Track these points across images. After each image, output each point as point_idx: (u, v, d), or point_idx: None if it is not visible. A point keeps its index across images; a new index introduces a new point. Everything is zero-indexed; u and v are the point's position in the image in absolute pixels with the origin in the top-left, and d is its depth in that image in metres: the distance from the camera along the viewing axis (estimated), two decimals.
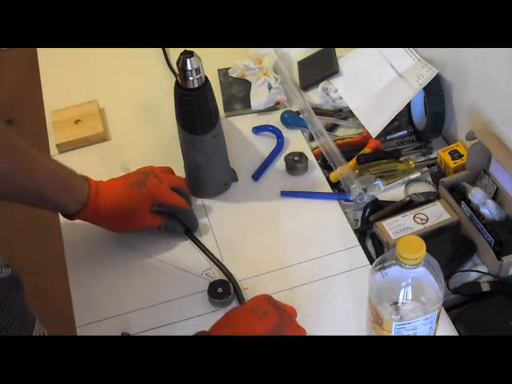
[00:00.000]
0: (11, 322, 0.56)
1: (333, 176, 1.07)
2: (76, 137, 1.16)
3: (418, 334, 0.75)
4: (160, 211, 0.96)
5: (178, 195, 0.99)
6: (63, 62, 1.32)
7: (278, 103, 1.20)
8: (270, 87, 1.20)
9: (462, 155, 1.03)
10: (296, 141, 1.15)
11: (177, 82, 0.92)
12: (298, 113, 1.19)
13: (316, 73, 1.24)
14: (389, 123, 1.12)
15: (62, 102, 1.22)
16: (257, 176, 1.09)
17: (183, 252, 0.97)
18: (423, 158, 1.12)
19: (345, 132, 1.18)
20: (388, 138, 1.14)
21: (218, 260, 0.96)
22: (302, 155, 1.09)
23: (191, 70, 0.89)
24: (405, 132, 1.15)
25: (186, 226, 0.99)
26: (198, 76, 0.90)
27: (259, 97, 1.19)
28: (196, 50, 0.90)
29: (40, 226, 1.48)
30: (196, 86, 0.91)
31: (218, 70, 1.27)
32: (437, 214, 0.98)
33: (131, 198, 0.94)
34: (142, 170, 0.99)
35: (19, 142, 0.85)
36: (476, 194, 0.95)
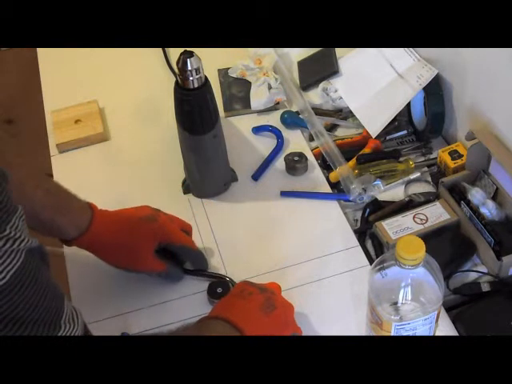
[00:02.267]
0: (45, 294, 0.56)
1: (332, 176, 1.07)
2: (76, 137, 1.16)
3: (418, 335, 0.75)
4: (164, 254, 0.91)
5: (186, 235, 0.94)
6: (63, 62, 1.32)
7: (277, 103, 1.20)
8: (269, 87, 1.20)
9: (462, 155, 1.03)
10: (296, 141, 1.15)
11: (177, 81, 0.92)
12: (297, 113, 1.19)
13: (316, 73, 1.24)
14: (389, 123, 1.12)
15: (62, 102, 1.22)
16: (257, 176, 1.09)
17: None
18: (423, 158, 1.12)
19: (345, 132, 1.18)
20: (388, 138, 1.14)
21: (225, 276, 0.94)
22: (301, 155, 1.09)
23: (191, 70, 0.89)
24: (405, 132, 1.15)
25: (185, 270, 0.94)
26: (197, 76, 0.90)
27: (259, 97, 1.19)
28: (196, 50, 0.90)
29: None
30: (196, 86, 0.91)
31: (218, 70, 1.27)
32: (436, 214, 0.98)
33: (137, 234, 0.87)
34: (150, 207, 0.92)
35: (13, 159, 0.80)
36: (476, 194, 0.95)
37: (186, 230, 0.96)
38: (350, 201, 1.04)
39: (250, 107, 1.20)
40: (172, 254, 0.93)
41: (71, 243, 0.86)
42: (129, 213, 0.90)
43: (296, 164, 1.08)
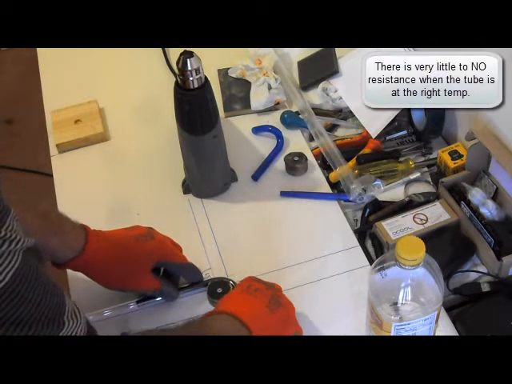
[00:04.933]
0: (45, 291, 0.55)
1: (332, 176, 1.08)
2: (76, 137, 1.16)
3: (418, 335, 0.75)
4: (158, 273, 0.89)
5: (180, 252, 0.93)
6: (63, 62, 1.32)
7: (277, 103, 1.20)
8: (269, 87, 1.20)
9: (462, 155, 1.03)
10: (296, 141, 1.15)
11: (177, 82, 0.92)
12: (297, 113, 1.19)
13: (316, 73, 1.24)
14: (388, 123, 1.12)
15: (62, 102, 1.22)
16: (256, 176, 1.09)
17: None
18: (423, 159, 1.12)
19: (345, 132, 1.18)
20: (388, 138, 1.14)
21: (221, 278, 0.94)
22: (301, 155, 1.09)
23: (191, 70, 0.89)
24: (405, 132, 1.15)
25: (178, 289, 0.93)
26: (197, 76, 0.90)
27: (259, 97, 1.19)
28: (196, 50, 0.90)
29: None
30: (196, 86, 0.91)
31: (218, 70, 1.27)
32: (436, 214, 0.98)
33: (134, 253, 0.86)
34: (142, 226, 0.91)
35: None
36: (476, 195, 0.95)
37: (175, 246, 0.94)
38: (350, 201, 1.04)
39: (250, 107, 1.20)
40: (166, 272, 0.92)
41: (65, 266, 0.83)
42: (123, 232, 0.88)
43: (296, 164, 1.08)
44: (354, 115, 1.17)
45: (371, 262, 0.95)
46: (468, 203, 0.95)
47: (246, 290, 0.80)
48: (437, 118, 1.10)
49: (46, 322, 0.55)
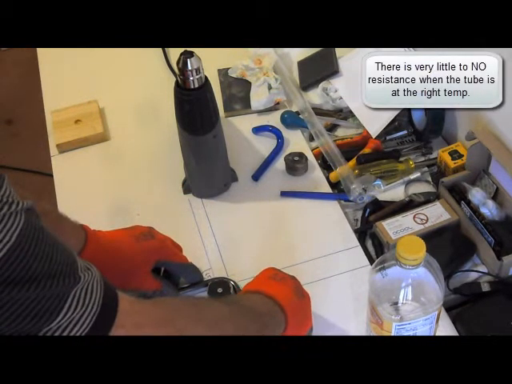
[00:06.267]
0: (56, 247, 0.55)
1: (333, 176, 1.08)
2: (76, 137, 1.16)
3: (418, 335, 0.75)
4: (158, 272, 0.89)
5: (180, 252, 0.93)
6: (63, 62, 1.32)
7: (277, 103, 1.20)
8: (269, 87, 1.20)
9: (462, 155, 1.03)
10: (296, 141, 1.15)
11: (177, 81, 0.92)
12: (297, 113, 1.19)
13: (316, 73, 1.24)
14: (389, 123, 1.12)
15: (62, 102, 1.22)
16: (257, 176, 1.09)
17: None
18: (423, 158, 1.12)
19: (345, 132, 1.18)
20: (388, 138, 1.14)
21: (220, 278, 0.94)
22: (301, 155, 1.09)
23: (191, 70, 0.89)
24: (405, 132, 1.15)
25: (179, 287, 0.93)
26: (198, 76, 0.90)
27: (259, 97, 1.19)
28: (196, 50, 0.90)
29: None
30: (196, 86, 0.91)
31: (218, 70, 1.27)
32: (437, 214, 0.98)
33: (135, 253, 0.85)
34: (141, 225, 0.90)
35: None
36: (476, 194, 0.95)
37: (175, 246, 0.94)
38: (350, 201, 1.04)
39: (250, 107, 1.20)
40: (166, 272, 0.91)
41: None
42: (123, 232, 0.88)
43: (296, 164, 1.08)
44: (354, 115, 1.17)
45: (371, 261, 0.95)
46: (468, 203, 0.95)
47: (272, 277, 0.81)
48: (437, 118, 1.10)
49: (62, 277, 0.55)
